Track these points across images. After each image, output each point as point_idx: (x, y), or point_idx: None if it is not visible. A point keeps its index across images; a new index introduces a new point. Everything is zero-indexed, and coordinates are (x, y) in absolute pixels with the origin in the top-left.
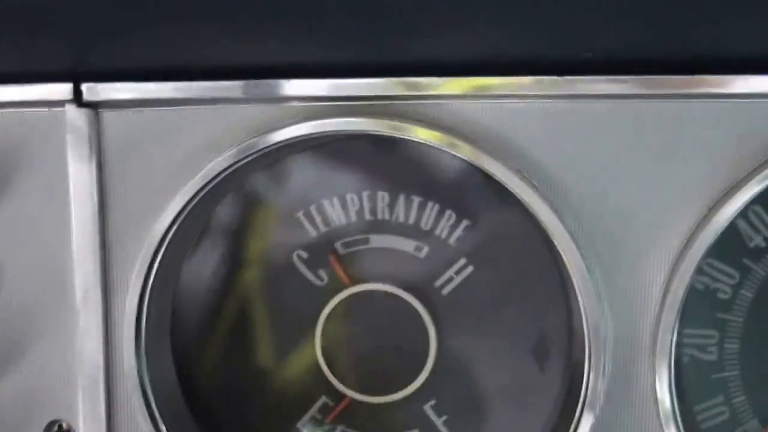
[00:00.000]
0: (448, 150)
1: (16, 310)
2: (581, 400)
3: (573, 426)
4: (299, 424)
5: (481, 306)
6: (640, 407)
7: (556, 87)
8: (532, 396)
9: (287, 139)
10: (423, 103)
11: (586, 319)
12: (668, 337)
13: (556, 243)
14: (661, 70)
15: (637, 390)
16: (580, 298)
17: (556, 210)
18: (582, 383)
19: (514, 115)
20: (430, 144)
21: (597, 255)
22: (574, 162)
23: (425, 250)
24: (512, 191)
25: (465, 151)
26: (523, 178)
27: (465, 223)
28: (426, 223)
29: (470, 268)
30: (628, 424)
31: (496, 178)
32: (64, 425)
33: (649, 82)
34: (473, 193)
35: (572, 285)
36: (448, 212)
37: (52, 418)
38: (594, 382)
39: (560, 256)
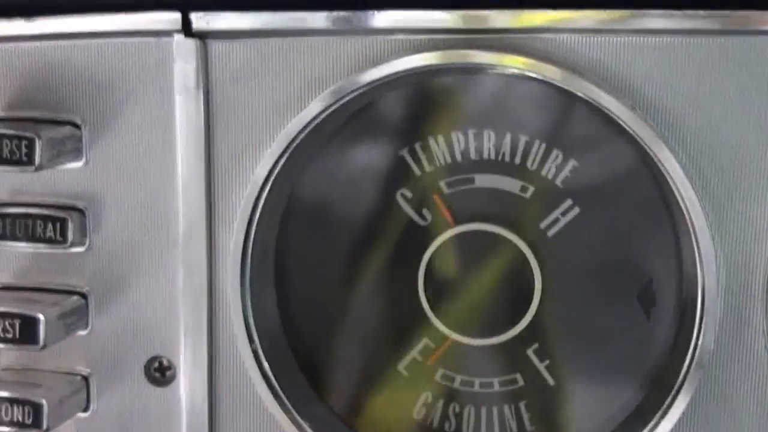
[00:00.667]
0: (560, 85)
1: (120, 245)
2: (691, 347)
3: (681, 375)
4: (399, 366)
5: (587, 249)
6: (752, 356)
7: (672, 22)
8: (637, 344)
9: (398, 72)
10: (533, 37)
11: (699, 260)
12: None
13: (670, 180)
14: None
15: (749, 338)
16: (693, 238)
17: (669, 146)
18: (690, 331)
19: (629, 51)
20: (544, 78)
21: (709, 194)
22: (687, 98)
23: (531, 190)
24: (626, 127)
25: (578, 86)
26: (637, 113)
27: (572, 163)
28: (532, 163)
29: (576, 210)
30: (739, 373)
31: (610, 113)
32: (165, 362)
33: (764, 17)
34: (582, 133)
35: (683, 227)
36: (555, 152)
37: (153, 354)
38: (705, 328)
39: (672, 196)
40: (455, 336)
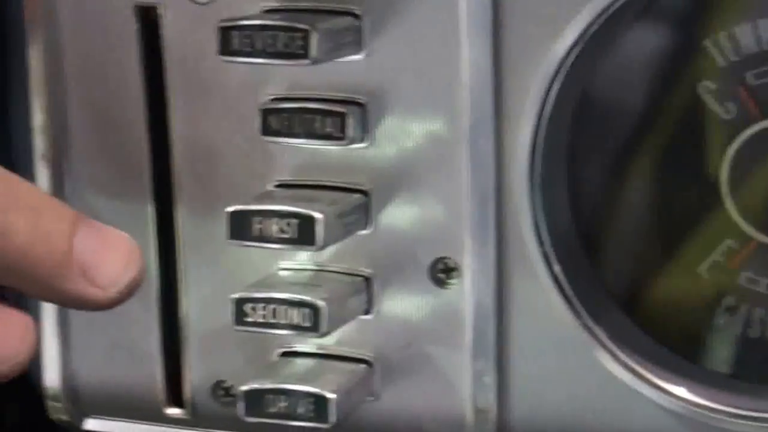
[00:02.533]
0: None
1: (403, 141)
2: None
3: None
4: (700, 269)
5: None
6: None
7: None
8: None
9: None
10: None
11: None
12: None
13: None
14: None
15: None
16: None
17: None
18: None
19: None
20: None
21: None
22: None
23: None
24: None
25: None
26: None
27: None
28: None
29: None
30: None
31: None
32: (450, 263)
33: None
34: None
35: None
36: None
37: (438, 255)
38: None
39: None
40: (761, 237)
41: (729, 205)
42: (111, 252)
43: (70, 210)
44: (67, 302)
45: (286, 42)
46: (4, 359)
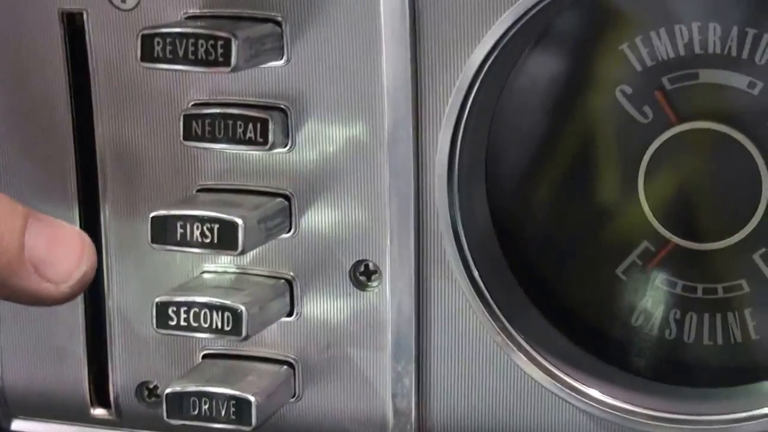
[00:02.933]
0: None
1: (324, 146)
2: None
3: None
4: (618, 270)
5: None
6: None
7: None
8: None
9: None
10: None
11: None
12: None
13: None
14: None
15: None
16: None
17: None
18: None
19: None
20: None
21: None
22: None
23: (759, 86)
24: None
25: None
26: None
27: None
28: (761, 57)
29: None
30: None
31: None
32: (371, 265)
33: None
34: None
35: None
36: None
37: (359, 257)
38: None
39: None
40: (677, 240)
41: (645, 207)
42: (62, 247)
43: (20, 206)
44: (20, 298)
45: (207, 49)
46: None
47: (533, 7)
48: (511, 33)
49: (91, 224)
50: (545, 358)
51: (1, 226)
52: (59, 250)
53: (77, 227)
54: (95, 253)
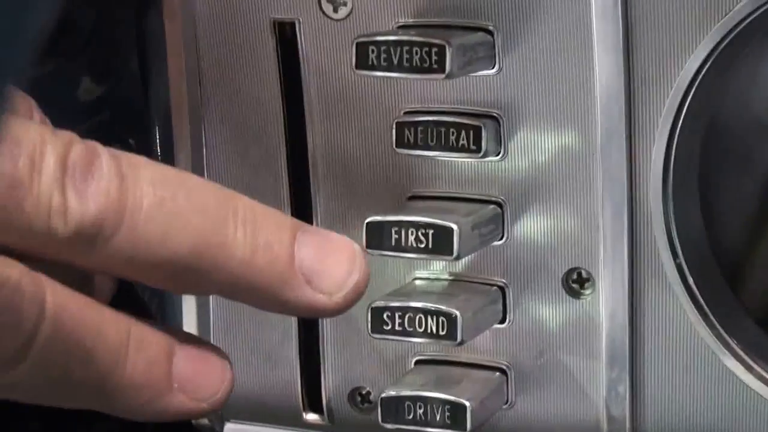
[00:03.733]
0: None
1: (537, 154)
2: None
3: None
4: None
5: None
6: None
7: None
8: None
9: None
10: None
11: None
12: None
13: None
14: None
15: None
16: None
17: None
18: None
19: None
20: None
21: None
22: None
23: None
24: None
25: None
26: None
27: None
28: None
29: None
30: None
31: None
32: (584, 273)
33: None
34: None
35: None
36: None
37: (572, 265)
38: None
39: None
40: None
41: None
42: (333, 257)
43: (289, 218)
44: (294, 311)
45: (422, 57)
46: (205, 398)
47: (750, 15)
48: (727, 40)
49: None
50: (763, 367)
51: (270, 238)
52: (330, 260)
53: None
54: (367, 262)
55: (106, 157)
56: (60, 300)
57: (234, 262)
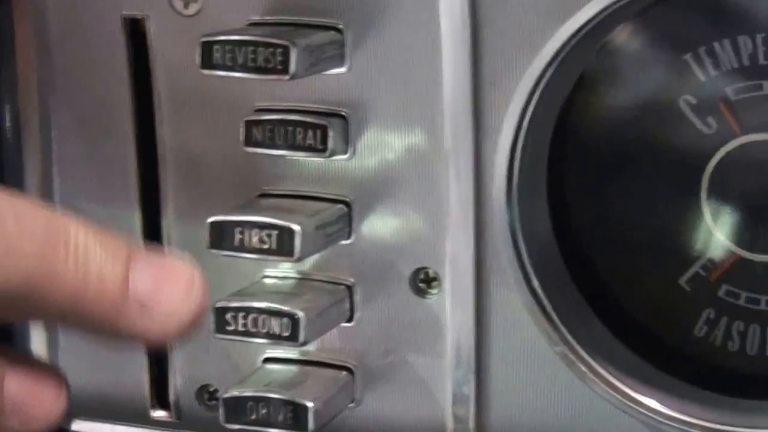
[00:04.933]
0: None
1: (384, 153)
2: None
3: None
4: (681, 280)
5: None
6: None
7: None
8: None
9: None
10: None
11: None
12: None
13: None
14: None
15: None
16: None
17: None
18: None
19: None
20: None
21: None
22: None
23: None
24: None
25: None
26: None
27: None
28: None
29: None
30: None
31: None
32: (431, 272)
33: None
34: None
35: None
36: None
37: (419, 265)
38: None
39: None
40: (740, 251)
41: (709, 219)
42: (169, 285)
43: (123, 242)
44: (128, 339)
45: (266, 57)
46: (36, 419)
47: (594, 17)
48: (572, 43)
49: (152, 228)
50: (605, 369)
51: (103, 267)
52: (165, 288)
53: (186, 261)
54: (205, 286)
55: None
56: None
57: (65, 293)
